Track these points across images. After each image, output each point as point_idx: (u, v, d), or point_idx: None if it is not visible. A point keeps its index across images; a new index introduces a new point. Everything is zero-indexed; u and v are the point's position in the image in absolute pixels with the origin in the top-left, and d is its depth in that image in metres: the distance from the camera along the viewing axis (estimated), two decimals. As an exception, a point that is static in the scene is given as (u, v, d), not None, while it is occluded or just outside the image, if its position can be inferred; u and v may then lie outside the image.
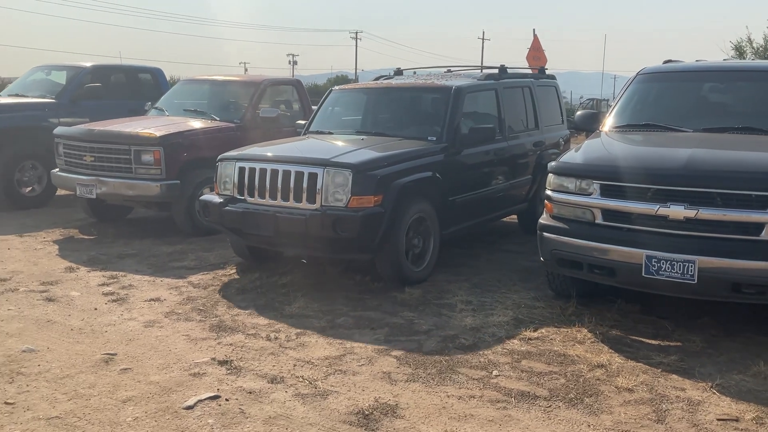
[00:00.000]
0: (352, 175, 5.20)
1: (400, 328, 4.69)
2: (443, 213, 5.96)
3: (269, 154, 5.80)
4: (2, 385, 3.72)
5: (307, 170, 5.34)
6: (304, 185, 5.33)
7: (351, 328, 4.69)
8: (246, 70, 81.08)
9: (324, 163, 5.35)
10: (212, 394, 3.58)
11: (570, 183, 4.82)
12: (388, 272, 5.55)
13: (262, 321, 4.79)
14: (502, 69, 7.49)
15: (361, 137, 6.31)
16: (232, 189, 5.75)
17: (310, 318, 4.86)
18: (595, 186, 4.67)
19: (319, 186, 5.28)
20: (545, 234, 4.94)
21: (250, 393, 3.62)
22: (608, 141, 5.40)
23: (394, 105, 7.09)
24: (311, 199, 5.30)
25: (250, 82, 9.05)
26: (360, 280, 5.80)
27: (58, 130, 8.16)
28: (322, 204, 5.25)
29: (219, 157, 6.00)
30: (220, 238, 6.98)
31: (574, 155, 5.10)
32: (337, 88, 7.52)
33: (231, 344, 4.33)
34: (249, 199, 5.61)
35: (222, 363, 4.01)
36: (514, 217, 7.95)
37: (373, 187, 5.23)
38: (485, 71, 7.61)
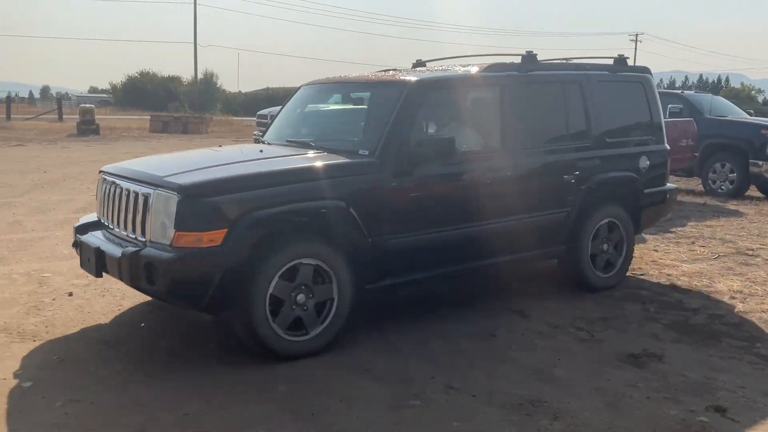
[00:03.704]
0: (178, 200, 3.82)
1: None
2: (365, 259, 4.31)
3: (128, 166, 4.63)
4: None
5: (141, 191, 4.11)
6: (139, 211, 4.09)
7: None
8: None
9: (156, 183, 4.05)
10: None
11: None
12: (243, 338, 4.07)
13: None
14: (528, 58, 5.39)
15: (260, 149, 4.97)
16: (99, 210, 4.73)
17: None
18: None
19: (150, 213, 4.02)
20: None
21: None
22: None
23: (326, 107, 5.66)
24: (144, 232, 4.06)
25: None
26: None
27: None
28: (150, 239, 3.97)
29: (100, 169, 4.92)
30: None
31: None
32: (306, 83, 5.99)
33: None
34: (105, 223, 4.56)
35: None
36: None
37: (206, 219, 3.82)
38: (490, 62, 5.35)
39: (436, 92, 4.96)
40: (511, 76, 5.17)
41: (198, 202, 3.83)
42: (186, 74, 61.22)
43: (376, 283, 4.43)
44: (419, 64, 6.30)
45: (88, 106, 27.49)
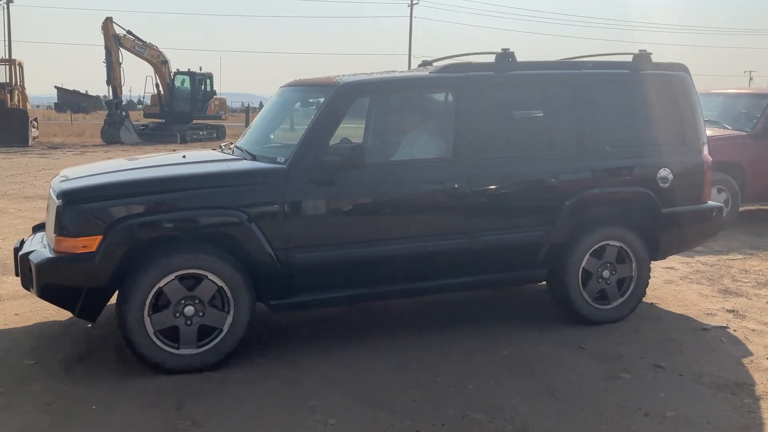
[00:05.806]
0: (58, 205, 3.88)
1: None
2: (267, 273, 4.05)
3: (63, 172, 4.65)
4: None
5: (50, 195, 4.31)
6: (49, 215, 4.28)
7: None
8: (751, 78, 75.47)
9: (55, 188, 4.17)
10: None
11: None
12: (132, 352, 3.91)
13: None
14: (503, 56, 4.68)
15: (183, 155, 4.88)
16: None
17: (809, 297, 5.66)
18: None
19: (49, 218, 4.21)
20: None
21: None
22: None
23: (284, 112, 5.24)
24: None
25: (763, 94, 9.68)
26: None
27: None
28: (48, 243, 4.09)
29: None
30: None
31: None
32: (284, 84, 5.38)
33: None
34: None
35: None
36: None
37: (81, 224, 3.79)
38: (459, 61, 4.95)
39: (368, 96, 4.84)
40: (469, 78, 4.55)
41: (75, 207, 3.82)
42: (399, 84, 64.22)
43: (283, 299, 4.13)
44: (426, 63, 5.70)
45: (315, 115, 30.21)
